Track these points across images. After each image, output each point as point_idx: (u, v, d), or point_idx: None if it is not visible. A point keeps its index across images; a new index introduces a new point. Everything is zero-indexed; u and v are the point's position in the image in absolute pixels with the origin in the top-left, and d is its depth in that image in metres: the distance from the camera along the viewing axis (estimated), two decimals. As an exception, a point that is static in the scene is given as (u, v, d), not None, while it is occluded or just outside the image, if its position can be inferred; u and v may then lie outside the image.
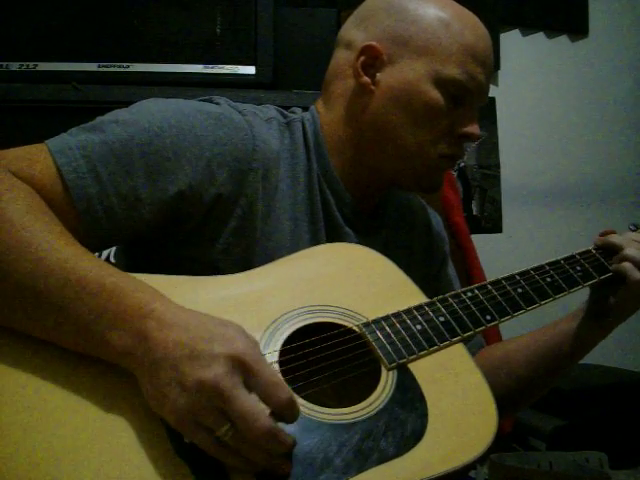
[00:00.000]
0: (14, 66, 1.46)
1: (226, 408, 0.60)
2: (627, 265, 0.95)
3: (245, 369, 0.62)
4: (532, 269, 0.95)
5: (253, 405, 0.61)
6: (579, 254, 0.99)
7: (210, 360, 0.61)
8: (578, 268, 0.97)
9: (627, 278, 0.94)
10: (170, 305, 0.67)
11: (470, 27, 0.94)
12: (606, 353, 2.24)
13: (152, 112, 0.84)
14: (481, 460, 0.70)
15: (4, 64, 1.46)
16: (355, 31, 0.97)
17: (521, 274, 0.93)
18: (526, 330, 1.09)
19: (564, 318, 1.04)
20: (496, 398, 0.77)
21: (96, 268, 0.68)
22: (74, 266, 0.67)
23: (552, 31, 2.61)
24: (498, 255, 2.32)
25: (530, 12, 2.55)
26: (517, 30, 2.58)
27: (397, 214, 1.09)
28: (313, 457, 0.66)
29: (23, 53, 1.46)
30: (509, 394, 1.02)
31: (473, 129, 0.95)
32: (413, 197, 1.14)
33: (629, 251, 0.96)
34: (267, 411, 0.62)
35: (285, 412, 0.63)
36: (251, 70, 1.51)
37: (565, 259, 0.98)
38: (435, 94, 0.92)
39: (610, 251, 0.99)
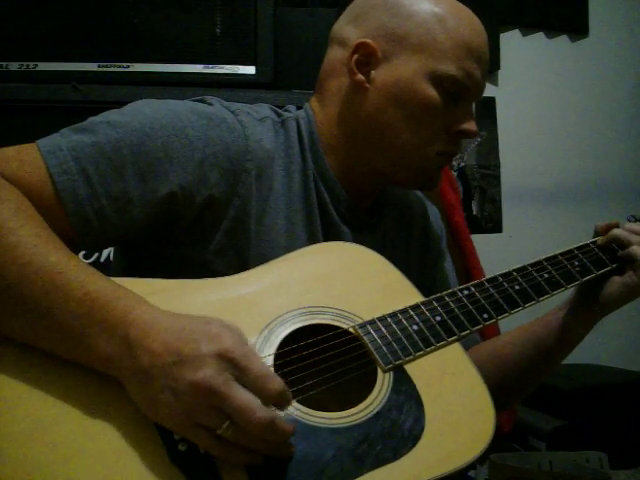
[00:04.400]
0: (14, 66, 1.46)
1: (223, 406, 0.61)
2: (636, 249, 0.94)
3: (234, 364, 0.62)
4: (529, 265, 0.94)
5: (249, 399, 0.61)
6: (577, 248, 0.98)
7: (199, 361, 0.61)
8: (576, 263, 0.96)
9: (637, 262, 0.94)
10: (152, 311, 0.66)
11: (466, 23, 0.93)
12: (606, 353, 2.25)
13: (144, 113, 0.83)
14: (481, 460, 0.70)
15: (4, 64, 1.46)
16: (349, 28, 0.96)
17: (518, 270, 0.93)
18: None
19: (551, 310, 1.04)
20: None
21: (82, 274, 0.67)
22: (60, 272, 0.67)
23: (552, 31, 2.60)
24: (498, 255, 2.30)
25: (530, 12, 2.55)
26: (517, 30, 2.57)
27: (395, 211, 1.09)
28: (309, 462, 0.65)
29: (23, 53, 1.46)
30: (499, 388, 1.01)
31: (470, 125, 0.95)
32: (410, 192, 1.14)
33: (632, 237, 0.96)
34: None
35: (278, 402, 0.63)
36: (251, 70, 1.51)
37: (563, 254, 0.97)
38: (431, 91, 0.91)
39: (612, 246, 0.99)
